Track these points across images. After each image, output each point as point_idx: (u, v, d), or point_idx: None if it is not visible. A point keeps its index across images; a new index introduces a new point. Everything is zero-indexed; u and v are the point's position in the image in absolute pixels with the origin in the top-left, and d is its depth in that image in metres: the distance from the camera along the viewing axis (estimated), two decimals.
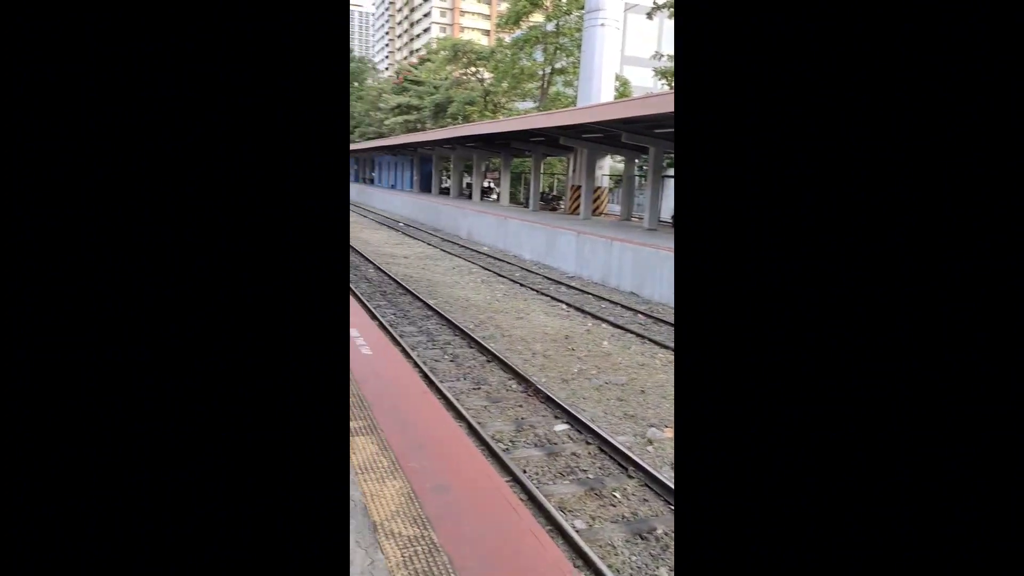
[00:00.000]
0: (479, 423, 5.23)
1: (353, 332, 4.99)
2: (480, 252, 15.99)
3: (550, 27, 25.52)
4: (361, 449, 2.84)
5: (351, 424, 3.13)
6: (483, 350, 7.31)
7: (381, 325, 7.81)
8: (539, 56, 27.18)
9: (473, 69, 33.62)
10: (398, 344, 7.03)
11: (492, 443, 4.84)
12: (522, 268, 13.68)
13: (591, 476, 4.50)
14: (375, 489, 2.48)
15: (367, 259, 13.83)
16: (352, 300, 6.59)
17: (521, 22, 26.57)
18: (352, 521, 2.25)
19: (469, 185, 27.97)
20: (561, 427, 5.35)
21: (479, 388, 6.22)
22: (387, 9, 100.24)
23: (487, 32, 74.30)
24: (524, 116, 22.42)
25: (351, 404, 3.40)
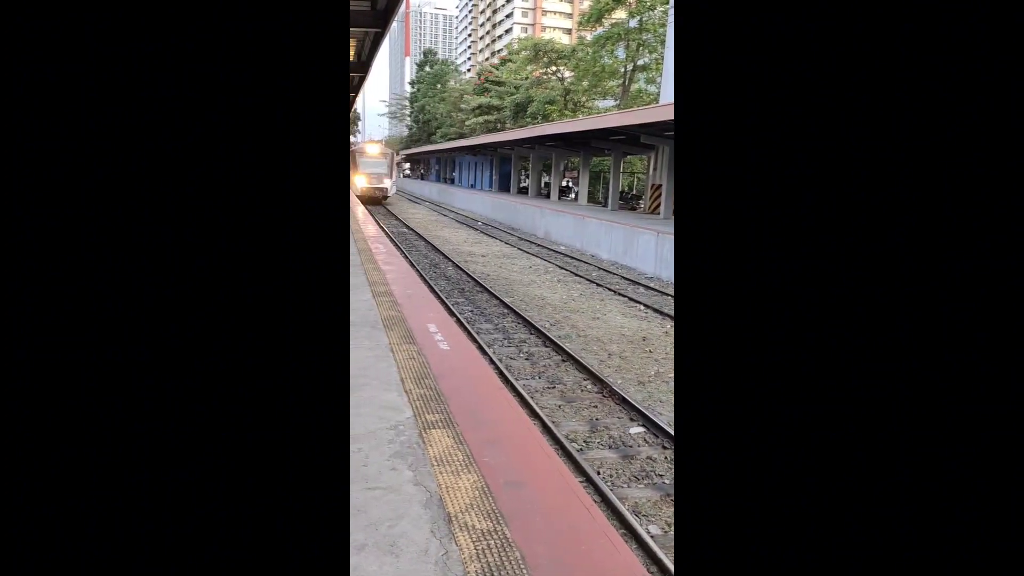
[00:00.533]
0: (553, 422, 5.23)
1: (431, 327, 5.11)
2: (557, 251, 15.96)
3: (633, 23, 25.08)
4: (437, 442, 2.90)
5: (428, 417, 3.20)
6: (558, 349, 7.29)
7: (459, 322, 7.96)
8: (621, 53, 26.78)
9: (554, 68, 33.56)
10: (475, 341, 7.14)
11: (566, 442, 4.82)
12: (599, 268, 13.53)
13: (667, 481, 4.39)
14: (450, 482, 2.52)
15: (447, 257, 14.13)
16: (431, 296, 6.76)
17: (603, 19, 26.26)
18: (428, 511, 2.30)
19: (547, 184, 27.97)
20: (637, 430, 5.25)
21: (553, 387, 6.21)
22: (470, 11, 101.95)
23: (568, 31, 74.00)
24: (604, 114, 22.15)
25: (428, 398, 3.48)
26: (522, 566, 2.00)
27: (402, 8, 9.39)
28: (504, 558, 2.05)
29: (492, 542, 2.13)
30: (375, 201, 29.78)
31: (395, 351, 4.37)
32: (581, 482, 3.52)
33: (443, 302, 9.00)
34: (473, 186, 36.67)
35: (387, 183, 30.23)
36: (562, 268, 13.32)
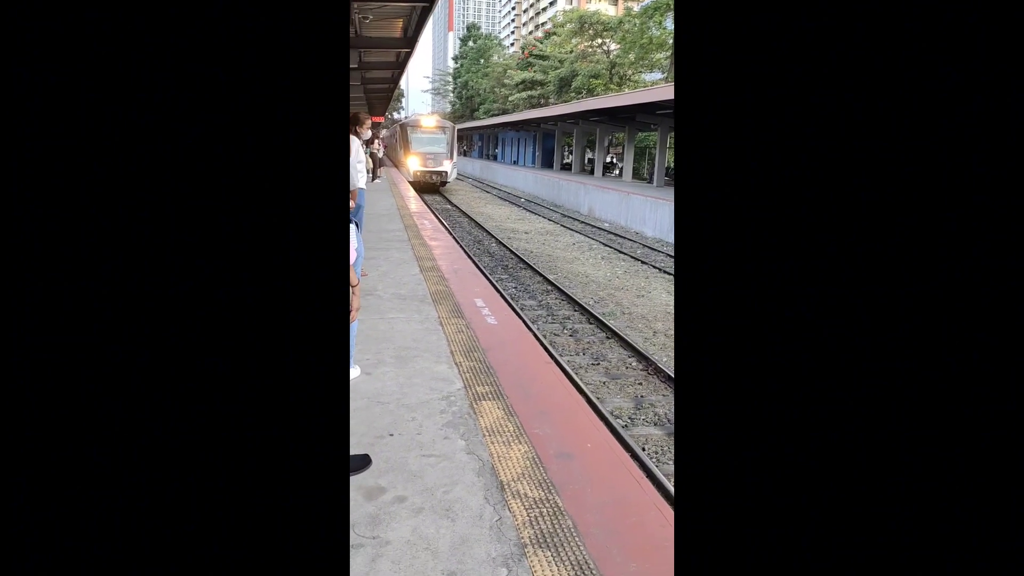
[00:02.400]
0: (598, 398, 5.25)
1: (479, 302, 5.18)
2: (601, 228, 15.81)
3: None
4: (488, 413, 2.96)
5: (478, 389, 3.27)
6: (602, 326, 7.28)
7: (504, 297, 8.03)
8: (669, 24, 25.99)
9: (599, 41, 32.85)
10: (519, 317, 7.20)
11: (611, 418, 4.85)
12: (644, 245, 13.36)
13: None
14: (502, 451, 2.59)
15: (490, 233, 14.18)
16: (477, 272, 6.83)
17: None
18: (481, 479, 2.37)
19: (591, 160, 27.58)
20: None
21: (598, 364, 6.22)
22: None
23: (614, 2, 72.09)
24: (651, 87, 21.62)
25: (477, 370, 3.55)
26: (574, 533, 2.05)
27: None
28: (556, 525, 2.10)
29: (544, 510, 2.18)
30: (431, 188, 23.72)
31: (444, 324, 4.46)
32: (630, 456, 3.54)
33: (487, 278, 9.08)
34: (516, 162, 36.50)
35: (446, 165, 23.40)
36: (606, 245, 13.21)
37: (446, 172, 23.56)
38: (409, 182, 21.57)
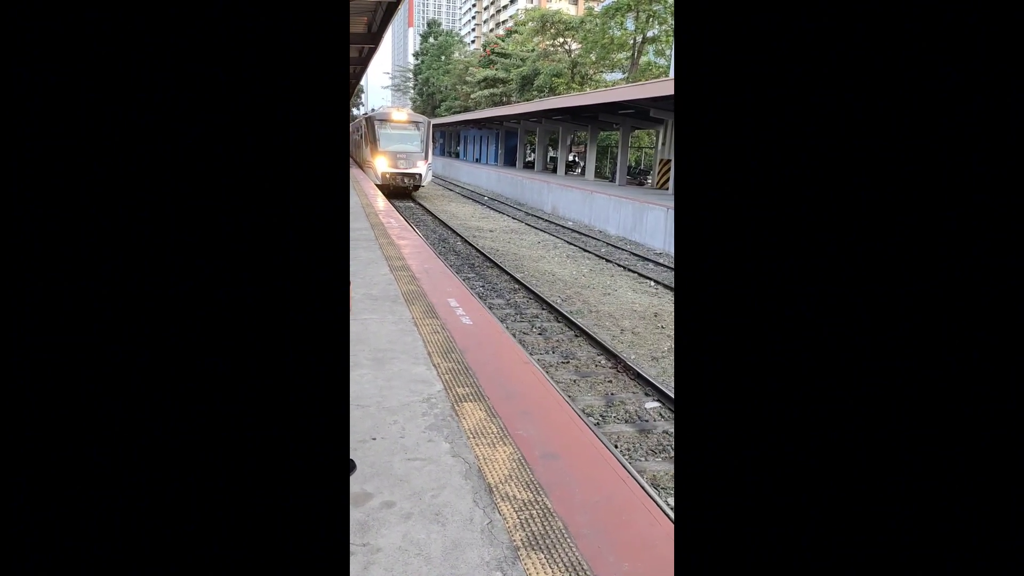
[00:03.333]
0: (569, 396, 5.30)
1: (452, 302, 5.15)
2: (565, 227, 15.93)
3: None
4: (470, 415, 2.95)
5: (459, 390, 3.25)
6: (571, 325, 7.34)
7: (479, 296, 8.01)
8: (630, 25, 26.33)
9: (561, 40, 33.04)
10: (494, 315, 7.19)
11: (582, 416, 4.90)
12: (608, 243, 13.52)
13: None
14: (487, 453, 2.58)
15: (455, 232, 14.11)
16: (448, 271, 6.79)
17: None
18: (468, 482, 2.36)
19: (553, 159, 27.74)
20: (652, 404, 5.32)
21: (568, 362, 6.27)
22: None
23: (575, 2, 72.57)
24: (613, 87, 21.87)
25: (456, 371, 3.54)
26: (566, 535, 2.07)
27: None
28: (547, 527, 2.11)
29: (534, 512, 2.19)
30: (402, 192, 20.53)
31: (419, 325, 4.42)
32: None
33: (458, 277, 9.04)
34: (478, 160, 36.41)
35: (421, 166, 20.00)
36: (571, 244, 13.31)
37: (420, 175, 20.06)
38: (376, 185, 18.72)
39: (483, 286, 9.18)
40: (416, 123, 20.60)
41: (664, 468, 4.28)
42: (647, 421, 5.02)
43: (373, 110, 26.54)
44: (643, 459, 4.48)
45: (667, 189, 16.74)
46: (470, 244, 12.58)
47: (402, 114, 20.89)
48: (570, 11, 47.04)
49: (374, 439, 2.68)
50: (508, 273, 9.91)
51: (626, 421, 5.06)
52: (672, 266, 11.06)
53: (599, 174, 24.53)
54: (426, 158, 20.20)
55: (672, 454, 4.48)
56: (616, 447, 4.57)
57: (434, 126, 39.76)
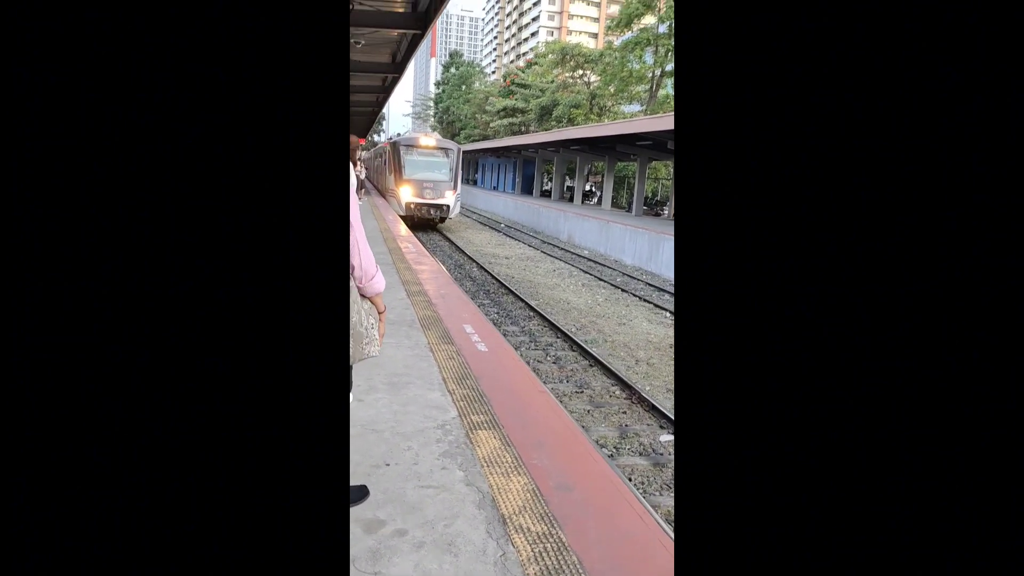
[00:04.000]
0: (583, 427, 5.24)
1: (468, 328, 5.15)
2: (581, 255, 15.94)
3: (662, 28, 24.98)
4: (484, 443, 2.93)
5: (473, 417, 3.23)
6: (585, 354, 7.30)
7: (495, 323, 8.01)
8: (649, 58, 26.68)
9: (580, 72, 33.53)
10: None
11: (596, 448, 4.83)
12: (624, 273, 13.50)
13: None
14: (501, 483, 2.55)
15: (471, 258, 14.18)
16: (465, 297, 6.80)
17: (632, 24, 26.20)
18: (482, 512, 2.33)
19: (570, 188, 27.91)
20: (667, 438, 5.24)
21: (582, 392, 6.22)
22: (496, 14, 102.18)
23: (595, 35, 73.85)
24: (631, 119, 22.07)
25: (471, 398, 3.52)
26: (580, 571, 2.02)
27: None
28: (562, 562, 2.07)
29: (548, 545, 2.15)
30: (427, 224, 18.90)
31: (434, 351, 4.42)
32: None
33: (474, 303, 9.06)
34: (496, 188, 36.73)
35: (449, 197, 18.25)
36: (586, 272, 13.31)
37: (448, 206, 18.18)
38: (400, 216, 16.92)
39: (498, 313, 9.18)
40: (445, 149, 18.86)
41: None
42: (661, 455, 4.94)
43: (399, 134, 25.11)
44: (657, 494, 4.40)
45: None
46: (486, 271, 12.63)
47: (430, 139, 19.15)
48: (590, 44, 47.84)
49: (388, 465, 2.66)
50: (523, 300, 9.91)
51: (640, 454, 4.99)
52: None
53: (615, 204, 24.62)
54: (455, 188, 18.40)
55: None
56: (630, 479, 4.49)
57: None
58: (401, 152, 18.22)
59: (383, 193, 22.28)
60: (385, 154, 21.42)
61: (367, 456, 2.71)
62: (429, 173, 18.05)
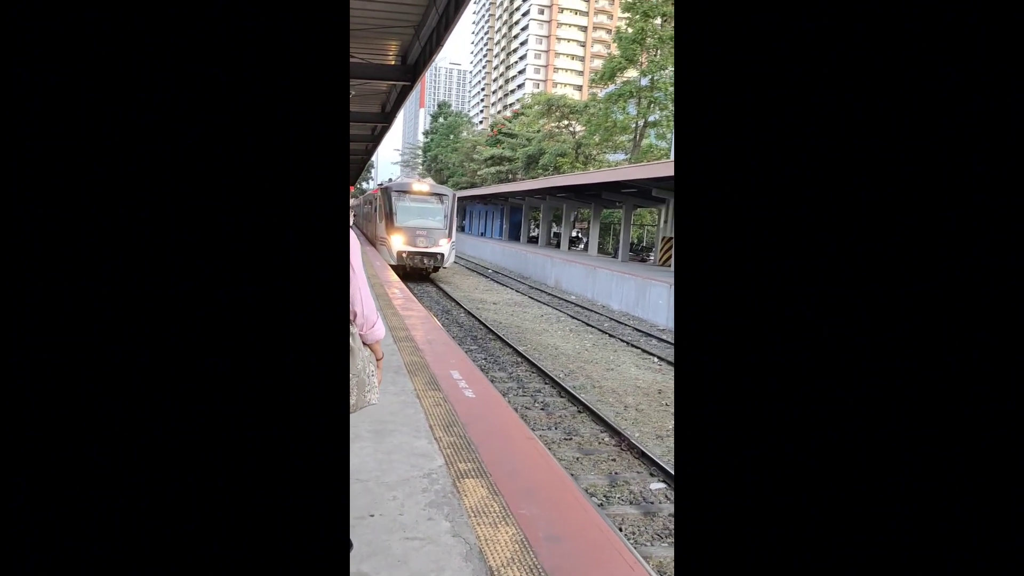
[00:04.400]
0: (572, 474, 5.14)
1: (455, 374, 5.10)
2: (568, 301, 16.00)
3: (644, 82, 25.85)
4: (472, 492, 2.87)
5: (461, 466, 3.17)
6: (574, 400, 7.24)
7: (482, 368, 7.95)
8: (632, 110, 27.50)
9: (566, 122, 34.41)
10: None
11: (587, 497, 4.74)
12: (611, 318, 13.53)
13: None
14: (489, 534, 2.49)
15: (458, 303, 14.17)
16: (451, 343, 6.76)
17: (615, 77, 27.10)
18: (469, 564, 2.26)
19: (557, 234, 28.23)
20: (657, 485, 5.16)
21: (570, 439, 6.14)
22: (484, 67, 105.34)
23: (579, 87, 76.20)
24: (616, 167, 22.57)
25: (459, 446, 3.46)
26: None
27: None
28: None
29: None
30: (420, 274, 17.81)
31: (421, 397, 4.36)
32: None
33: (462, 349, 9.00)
34: (483, 234, 37.06)
35: (444, 245, 17.22)
36: (574, 318, 13.33)
37: (442, 254, 17.05)
38: (391, 266, 15.98)
39: (485, 358, 9.12)
40: (439, 195, 17.86)
41: (671, 554, 4.10)
42: (652, 503, 4.85)
43: (390, 179, 24.18)
44: (648, 544, 4.30)
45: (670, 266, 16.92)
46: (473, 316, 12.61)
47: (423, 185, 18.13)
48: (575, 96, 49.31)
49: (372, 516, 2.59)
50: (511, 346, 9.87)
51: (631, 502, 4.89)
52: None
53: (602, 250, 24.90)
54: (449, 235, 17.39)
55: None
56: (621, 530, 4.39)
57: None
58: (393, 198, 17.23)
59: (373, 241, 21.32)
60: (375, 200, 20.51)
61: (352, 507, 2.64)
62: (422, 220, 17.07)
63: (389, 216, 16.98)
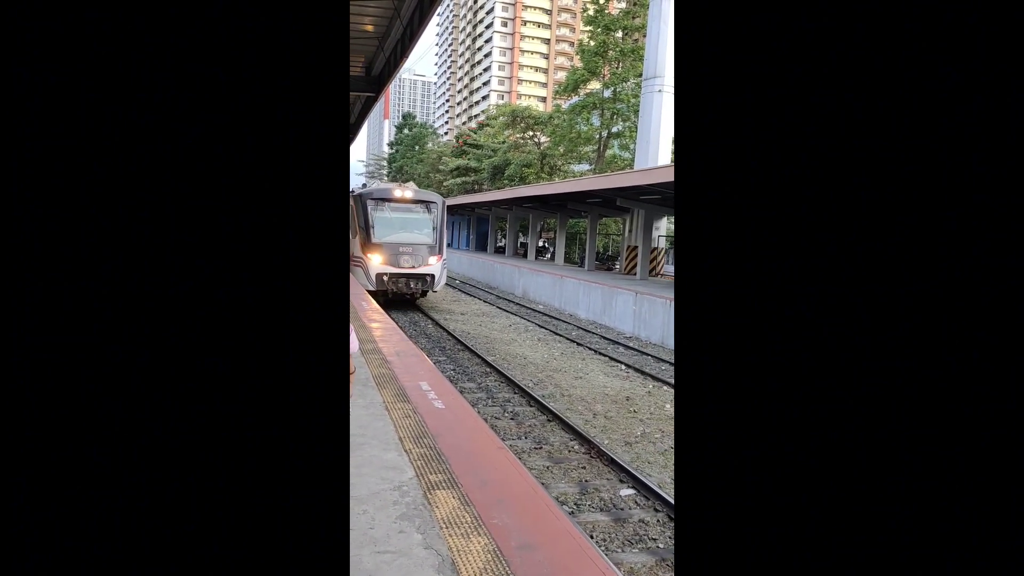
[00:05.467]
0: (543, 483, 5.15)
1: (424, 385, 5.08)
2: (536, 310, 16.06)
3: (607, 93, 26.27)
4: (443, 503, 2.85)
5: (431, 477, 3.15)
6: (543, 409, 7.26)
7: (451, 379, 7.91)
8: (596, 121, 27.89)
9: (531, 133, 34.68)
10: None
11: (556, 505, 4.75)
12: (578, 327, 13.63)
13: (661, 545, 4.34)
14: (461, 545, 2.48)
15: (426, 315, 14.09)
16: (420, 354, 6.72)
17: (579, 89, 27.47)
18: None
19: (524, 244, 28.35)
20: (627, 492, 5.20)
21: (540, 448, 6.15)
22: (448, 78, 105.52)
23: (543, 99, 76.93)
24: (581, 178, 22.83)
25: (429, 457, 3.44)
26: None
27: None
28: None
29: None
30: (403, 298, 14.38)
31: (390, 410, 4.32)
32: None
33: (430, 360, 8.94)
34: (450, 245, 36.97)
35: (433, 264, 13.91)
36: (542, 327, 13.38)
37: (433, 276, 13.66)
38: (369, 292, 12.78)
39: (454, 369, 9.08)
40: (426, 203, 14.20)
41: (641, 560, 4.14)
42: (622, 509, 4.89)
43: (364, 185, 19.46)
44: (619, 550, 4.33)
45: (635, 275, 17.16)
46: (441, 327, 12.54)
47: (407, 191, 14.21)
48: (539, 107, 49.77)
49: None
50: (480, 356, 9.85)
51: (601, 509, 4.92)
52: (642, 350, 11.16)
53: (568, 259, 25.10)
54: (439, 252, 13.95)
55: (649, 545, 4.35)
56: (592, 537, 4.41)
57: None
58: (369, 208, 13.42)
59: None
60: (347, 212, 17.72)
61: None
62: (407, 234, 13.58)
63: (365, 230, 13.26)
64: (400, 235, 13.50)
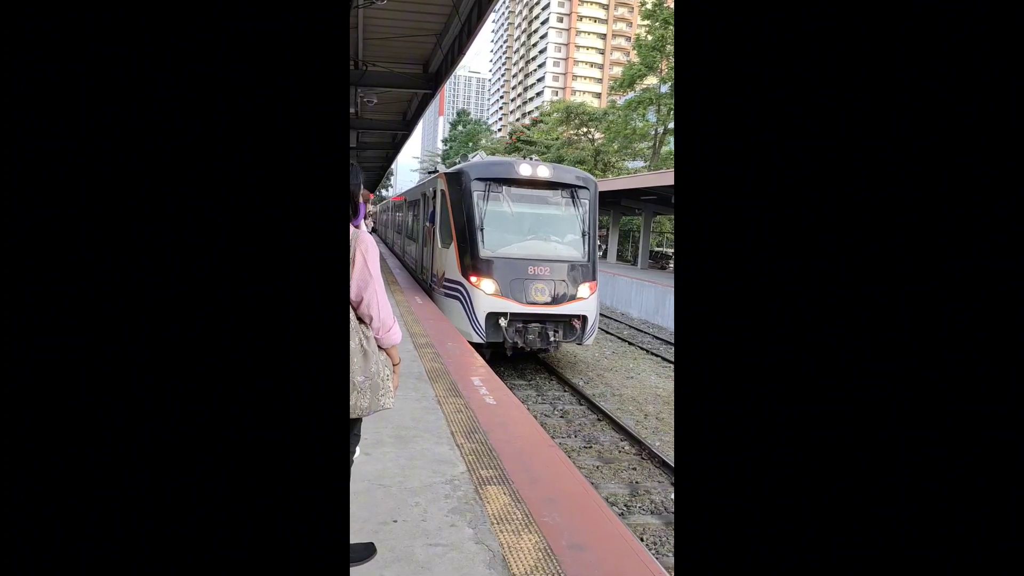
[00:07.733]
0: (593, 483, 5.11)
1: (476, 381, 5.11)
2: None
3: (664, 89, 25.78)
4: (494, 499, 2.86)
5: (483, 472, 3.17)
6: (593, 408, 7.20)
7: (502, 376, 7.93)
8: (652, 117, 27.41)
9: (585, 130, 34.40)
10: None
11: (607, 505, 4.70)
12: (630, 326, 13.46)
13: None
14: (512, 541, 2.48)
15: None
16: (471, 350, 6.77)
17: (635, 84, 27.06)
18: (492, 572, 2.26)
19: None
20: None
21: (590, 447, 6.11)
22: (503, 75, 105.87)
23: (598, 94, 76.20)
24: (635, 175, 22.49)
25: (480, 452, 3.46)
26: None
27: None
28: None
29: None
30: (524, 353, 8.07)
31: (442, 404, 4.37)
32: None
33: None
34: None
35: (586, 295, 7.87)
36: None
37: (584, 318, 8.08)
38: (472, 344, 6.88)
39: (505, 366, 9.12)
40: (573, 189, 8.37)
41: None
42: (674, 513, 4.80)
43: (464, 158, 11.91)
44: (670, 555, 4.25)
45: None
46: None
47: (538, 168, 8.29)
48: (593, 103, 49.32)
49: (395, 521, 2.60)
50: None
51: (652, 512, 4.85)
52: None
53: (621, 257, 24.79)
54: (592, 275, 8.21)
55: None
56: (642, 539, 4.35)
57: None
58: (475, 196, 7.99)
59: (413, 271, 12.52)
60: (422, 201, 11.31)
61: (374, 512, 2.65)
62: (540, 243, 8.16)
63: (468, 233, 7.97)
64: (530, 245, 8.04)
